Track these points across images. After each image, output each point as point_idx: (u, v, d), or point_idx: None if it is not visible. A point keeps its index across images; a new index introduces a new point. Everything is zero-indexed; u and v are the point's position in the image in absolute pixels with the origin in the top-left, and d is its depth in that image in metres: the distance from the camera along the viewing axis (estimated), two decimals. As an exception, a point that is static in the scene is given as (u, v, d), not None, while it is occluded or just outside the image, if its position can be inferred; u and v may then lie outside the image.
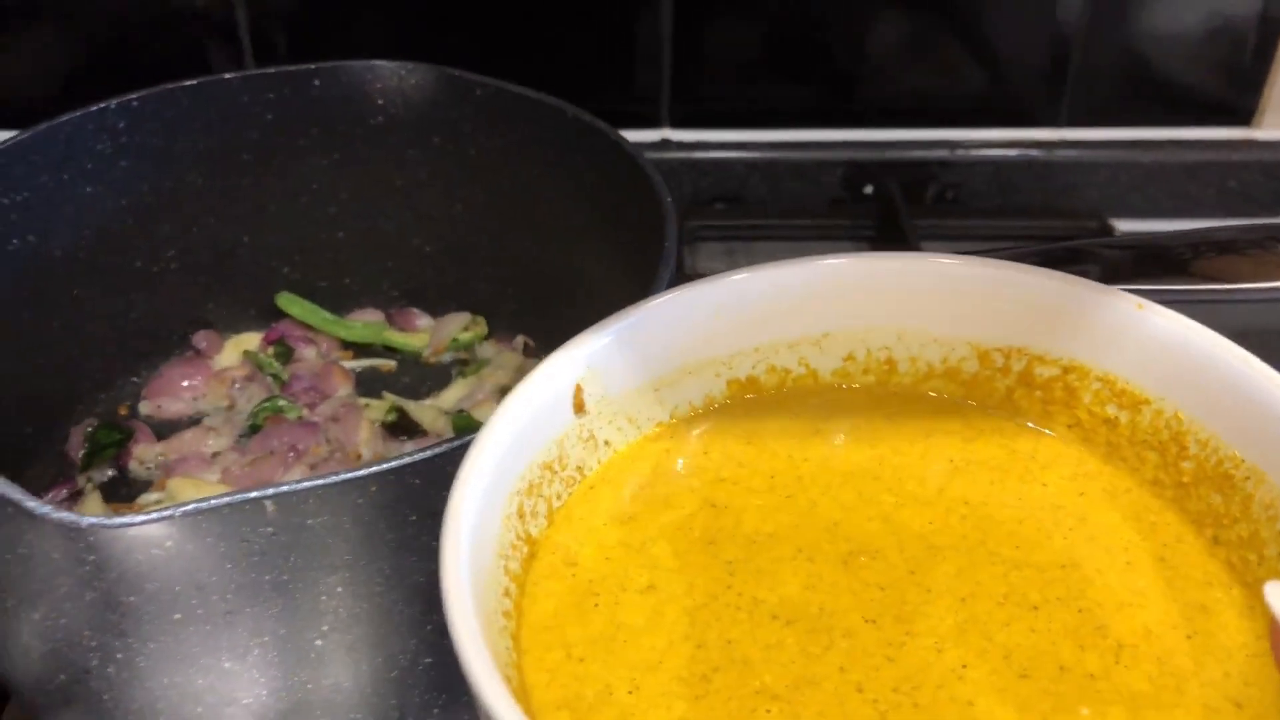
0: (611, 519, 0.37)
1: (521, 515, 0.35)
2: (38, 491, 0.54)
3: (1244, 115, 0.78)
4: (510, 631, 0.33)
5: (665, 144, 0.78)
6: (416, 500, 0.38)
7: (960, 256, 0.40)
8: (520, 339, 0.63)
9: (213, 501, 0.35)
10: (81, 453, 0.56)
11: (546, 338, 0.62)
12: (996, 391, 0.40)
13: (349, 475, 0.36)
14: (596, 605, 0.34)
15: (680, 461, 0.39)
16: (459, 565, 0.31)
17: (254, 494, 0.35)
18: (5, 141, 0.51)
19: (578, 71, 0.75)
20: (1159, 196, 0.79)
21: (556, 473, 0.37)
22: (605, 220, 0.56)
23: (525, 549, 0.35)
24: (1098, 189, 0.79)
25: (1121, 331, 0.38)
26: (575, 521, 0.37)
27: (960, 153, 0.78)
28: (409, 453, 0.37)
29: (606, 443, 0.39)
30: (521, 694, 0.32)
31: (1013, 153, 0.78)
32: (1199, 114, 0.78)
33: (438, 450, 0.37)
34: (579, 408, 0.37)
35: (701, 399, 0.40)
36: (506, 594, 0.34)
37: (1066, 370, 0.39)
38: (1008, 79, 0.77)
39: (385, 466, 0.37)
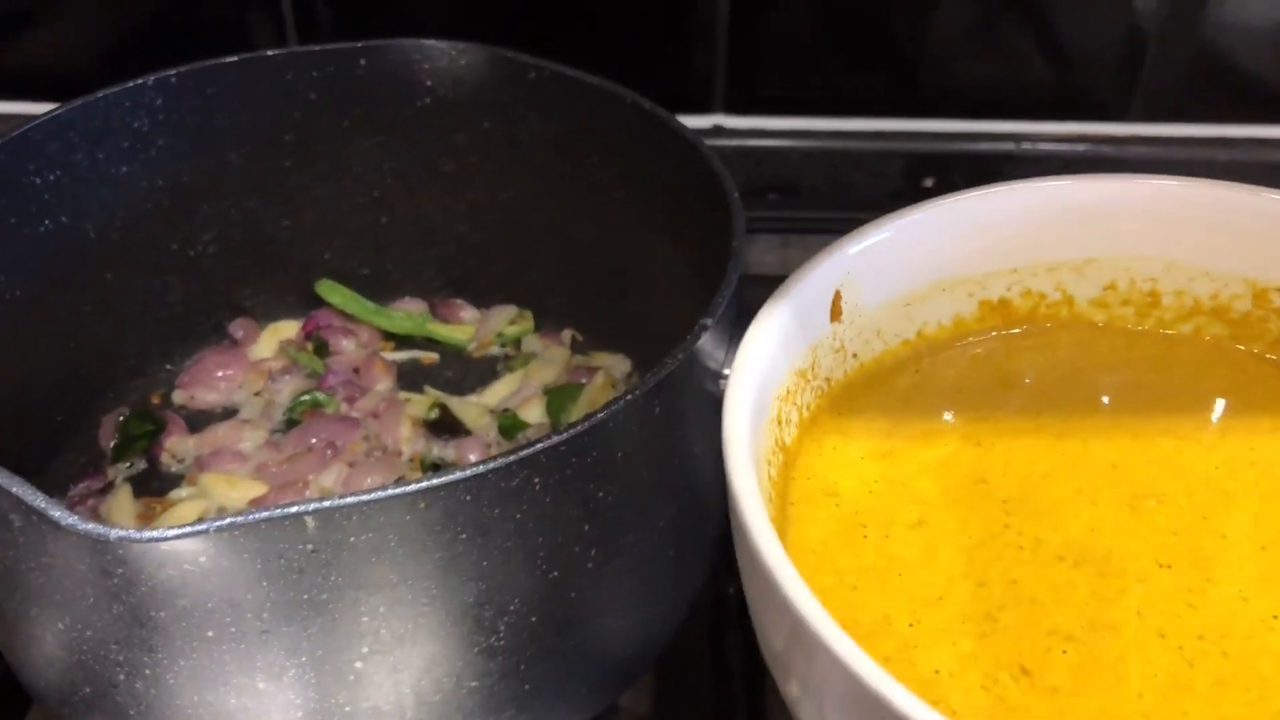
0: (869, 453, 0.37)
1: (780, 422, 0.35)
2: (66, 482, 0.53)
3: (1327, 114, 0.74)
4: None
5: (718, 130, 0.75)
6: (468, 517, 0.35)
7: (1247, 187, 0.37)
8: (568, 333, 0.60)
9: (250, 517, 0.33)
10: (112, 443, 0.54)
11: (595, 333, 0.60)
12: (1268, 334, 0.38)
13: (396, 491, 0.34)
14: (865, 537, 0.34)
15: (933, 396, 0.38)
16: (742, 450, 0.31)
17: (294, 509, 0.33)
18: (39, 117, 0.49)
19: (627, 51, 0.72)
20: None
21: (809, 380, 0.36)
22: (662, 213, 0.53)
23: (781, 457, 0.35)
24: (1172, 188, 0.75)
25: None
26: (829, 450, 0.37)
27: (1027, 146, 0.75)
28: (467, 465, 0.35)
29: (854, 355, 0.38)
30: None
31: (1082, 148, 0.75)
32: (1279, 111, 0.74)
33: (491, 465, 0.35)
34: (835, 315, 0.37)
35: (950, 318, 0.40)
36: (769, 501, 0.33)
37: None
38: (1079, 70, 0.74)
39: (436, 482, 0.34)
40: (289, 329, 0.59)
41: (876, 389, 0.39)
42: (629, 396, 0.37)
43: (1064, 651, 0.31)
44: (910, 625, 0.32)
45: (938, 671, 0.31)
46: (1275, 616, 0.31)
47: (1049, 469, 0.36)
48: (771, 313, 0.35)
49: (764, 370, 0.34)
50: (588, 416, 0.36)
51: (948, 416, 0.38)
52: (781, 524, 0.34)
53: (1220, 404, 0.37)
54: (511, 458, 0.35)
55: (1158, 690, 0.30)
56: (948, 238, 0.38)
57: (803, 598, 0.27)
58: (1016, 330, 0.40)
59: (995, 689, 0.30)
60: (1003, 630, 0.32)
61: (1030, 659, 0.31)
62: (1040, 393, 0.38)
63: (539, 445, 0.35)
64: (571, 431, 0.36)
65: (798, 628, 0.27)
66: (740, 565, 0.32)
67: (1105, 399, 0.38)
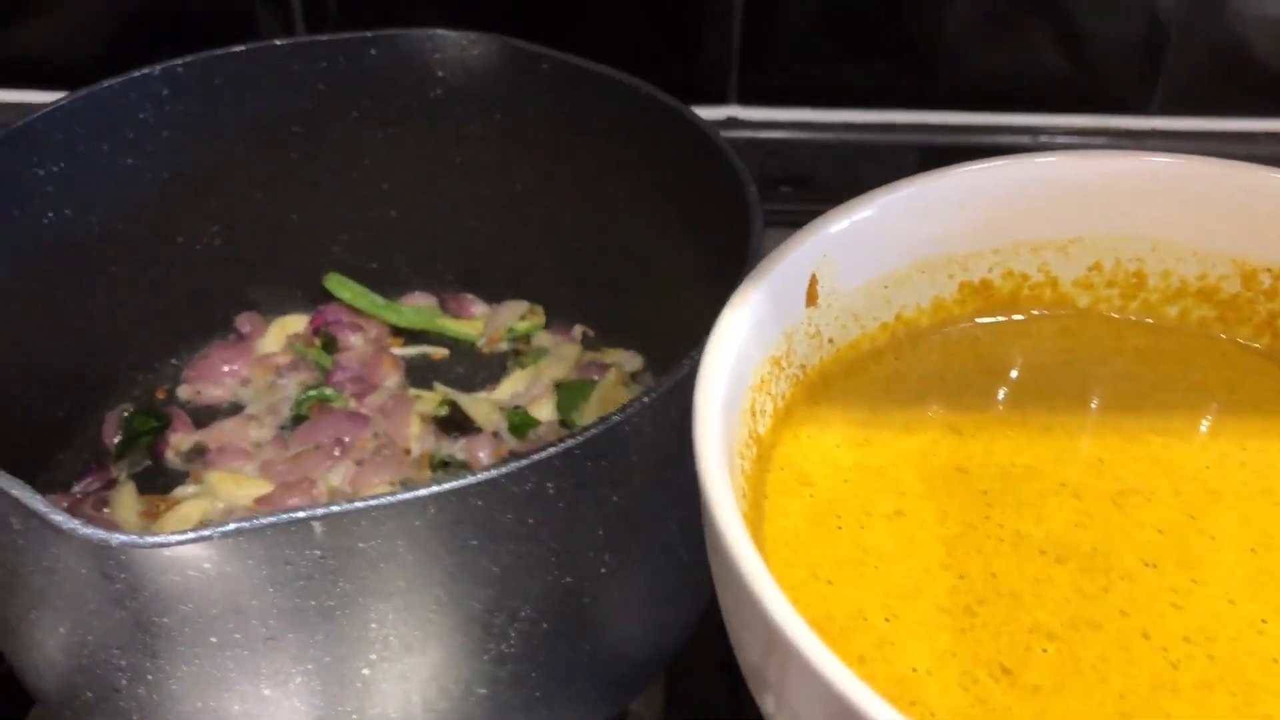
0: (844, 441, 0.36)
1: (753, 413, 0.34)
2: (69, 479, 0.52)
3: (1351, 108, 0.73)
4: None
5: (732, 122, 0.74)
6: (478, 522, 0.34)
7: (1239, 164, 0.36)
8: (579, 329, 0.59)
9: (256, 522, 0.32)
10: (116, 440, 0.53)
11: (606, 328, 0.59)
12: (1256, 316, 0.38)
13: (406, 496, 0.33)
14: (839, 528, 0.33)
15: (913, 383, 0.37)
16: (714, 452, 0.30)
17: (302, 514, 0.32)
18: (44, 108, 0.48)
19: (639, 41, 0.71)
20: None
21: (784, 369, 0.35)
22: (676, 208, 0.52)
23: (754, 449, 0.34)
24: (1192, 183, 0.74)
25: None
26: (804, 439, 0.35)
27: (1044, 139, 0.74)
28: (479, 467, 0.34)
29: (830, 340, 0.37)
30: None
31: (1100, 141, 0.74)
32: (1302, 105, 0.73)
33: (504, 470, 0.34)
34: (812, 299, 0.36)
35: (930, 300, 0.38)
36: (743, 496, 0.32)
37: None
38: (1097, 62, 0.73)
39: (447, 487, 0.33)
40: (297, 324, 0.58)
41: (854, 376, 0.38)
42: (645, 399, 0.36)
43: (1045, 650, 0.30)
44: (886, 620, 0.31)
45: (915, 670, 0.30)
46: (1264, 620, 0.31)
47: (1032, 460, 0.35)
48: (744, 300, 0.34)
49: (736, 360, 0.33)
50: (602, 419, 0.35)
51: (927, 404, 0.37)
52: (756, 519, 0.33)
53: (1210, 401, 0.36)
54: (524, 462, 0.34)
55: (1140, 692, 0.29)
56: (930, 216, 0.37)
57: (776, 602, 0.26)
58: (1000, 318, 0.39)
59: (974, 688, 0.30)
60: (982, 626, 0.31)
61: (1010, 657, 0.30)
62: (1024, 383, 0.37)
63: (552, 449, 0.34)
64: (586, 435, 0.35)
65: (771, 637, 0.26)
66: (714, 571, 0.31)
67: (1090, 391, 0.37)
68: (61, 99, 0.49)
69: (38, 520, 0.32)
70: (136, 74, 0.51)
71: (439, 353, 0.59)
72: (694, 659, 0.47)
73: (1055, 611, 0.31)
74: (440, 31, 0.54)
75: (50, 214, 0.49)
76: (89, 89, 0.50)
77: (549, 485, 0.35)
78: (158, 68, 0.51)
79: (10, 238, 0.48)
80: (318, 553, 0.33)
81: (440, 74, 0.55)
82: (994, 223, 0.38)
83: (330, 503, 0.33)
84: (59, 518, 0.32)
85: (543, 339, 0.59)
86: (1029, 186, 0.37)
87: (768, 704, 0.30)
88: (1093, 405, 0.37)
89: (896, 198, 0.36)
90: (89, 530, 0.32)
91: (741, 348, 0.33)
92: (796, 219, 0.79)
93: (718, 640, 0.49)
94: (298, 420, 0.54)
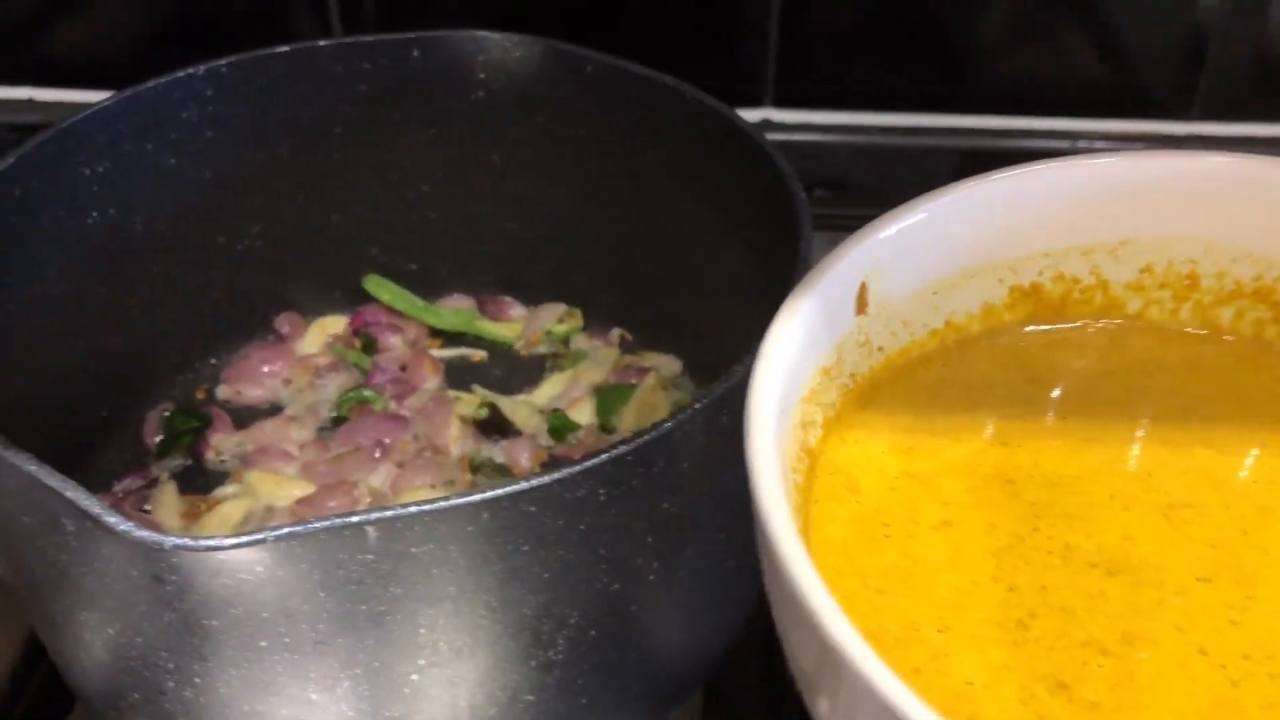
0: (890, 448, 0.35)
1: (804, 425, 0.33)
2: (110, 479, 0.52)
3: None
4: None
5: (766, 125, 0.74)
6: (530, 528, 0.34)
7: None
8: (616, 332, 0.59)
9: (309, 526, 0.32)
10: (157, 439, 0.53)
11: (644, 332, 0.59)
12: None
13: (460, 501, 0.33)
14: (888, 536, 0.33)
15: (960, 391, 0.37)
16: (768, 466, 0.29)
17: (355, 518, 0.32)
18: (89, 108, 0.48)
19: (675, 43, 0.70)
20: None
21: (833, 378, 0.35)
22: (718, 211, 0.52)
23: (806, 461, 0.34)
24: (1233, 189, 0.74)
25: None
26: (851, 444, 0.35)
27: (1082, 145, 0.73)
28: (530, 473, 0.34)
29: (880, 349, 0.37)
30: None
31: (1139, 147, 0.73)
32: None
33: (556, 476, 0.34)
34: (861, 307, 0.35)
35: (980, 305, 0.38)
36: (795, 510, 0.32)
37: None
38: (1137, 66, 0.72)
39: (500, 492, 0.33)
40: (336, 324, 0.58)
41: (901, 382, 0.37)
42: (696, 405, 0.36)
43: (1100, 665, 0.30)
44: (939, 632, 0.31)
45: (970, 683, 0.30)
46: None
47: (1079, 472, 0.35)
48: (794, 310, 0.33)
49: (787, 373, 0.32)
50: (655, 426, 0.35)
51: (974, 413, 0.36)
52: (805, 526, 0.33)
53: (1258, 415, 0.36)
54: (577, 468, 0.34)
55: (1201, 711, 0.29)
56: (979, 220, 0.37)
57: (832, 618, 0.26)
58: (1047, 326, 0.39)
59: (1032, 703, 0.29)
60: (1035, 640, 0.30)
61: (1066, 672, 0.30)
62: (1071, 394, 0.37)
63: (605, 455, 0.34)
64: (638, 441, 0.35)
65: (826, 651, 0.26)
66: (766, 581, 0.30)
67: (1138, 403, 0.37)
68: (106, 99, 0.49)
69: (91, 522, 0.32)
70: (180, 74, 0.51)
71: (477, 355, 0.59)
72: (733, 669, 0.47)
73: (1108, 626, 0.31)
74: (483, 33, 0.54)
75: (95, 214, 0.49)
76: (133, 89, 0.50)
77: (600, 491, 0.35)
78: (201, 68, 0.51)
79: (56, 238, 0.48)
80: (370, 557, 0.33)
81: (483, 76, 0.54)
82: (1044, 225, 0.37)
83: (383, 506, 0.32)
84: (112, 519, 0.32)
85: (580, 342, 0.59)
86: (1080, 188, 0.37)
87: (821, 707, 0.30)
88: (1140, 417, 0.37)
89: (946, 202, 0.36)
90: (143, 533, 0.32)
91: (793, 360, 0.33)
92: (831, 223, 0.79)
93: (757, 650, 0.49)
94: (337, 421, 0.54)
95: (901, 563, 0.32)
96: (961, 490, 0.34)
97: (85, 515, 0.32)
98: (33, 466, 0.33)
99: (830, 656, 0.26)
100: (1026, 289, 0.38)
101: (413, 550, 0.33)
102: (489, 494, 0.33)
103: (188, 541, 0.32)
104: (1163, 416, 0.36)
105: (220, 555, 0.32)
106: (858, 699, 0.26)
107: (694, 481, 0.38)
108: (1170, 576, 0.32)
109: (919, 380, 0.37)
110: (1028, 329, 0.39)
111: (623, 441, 0.34)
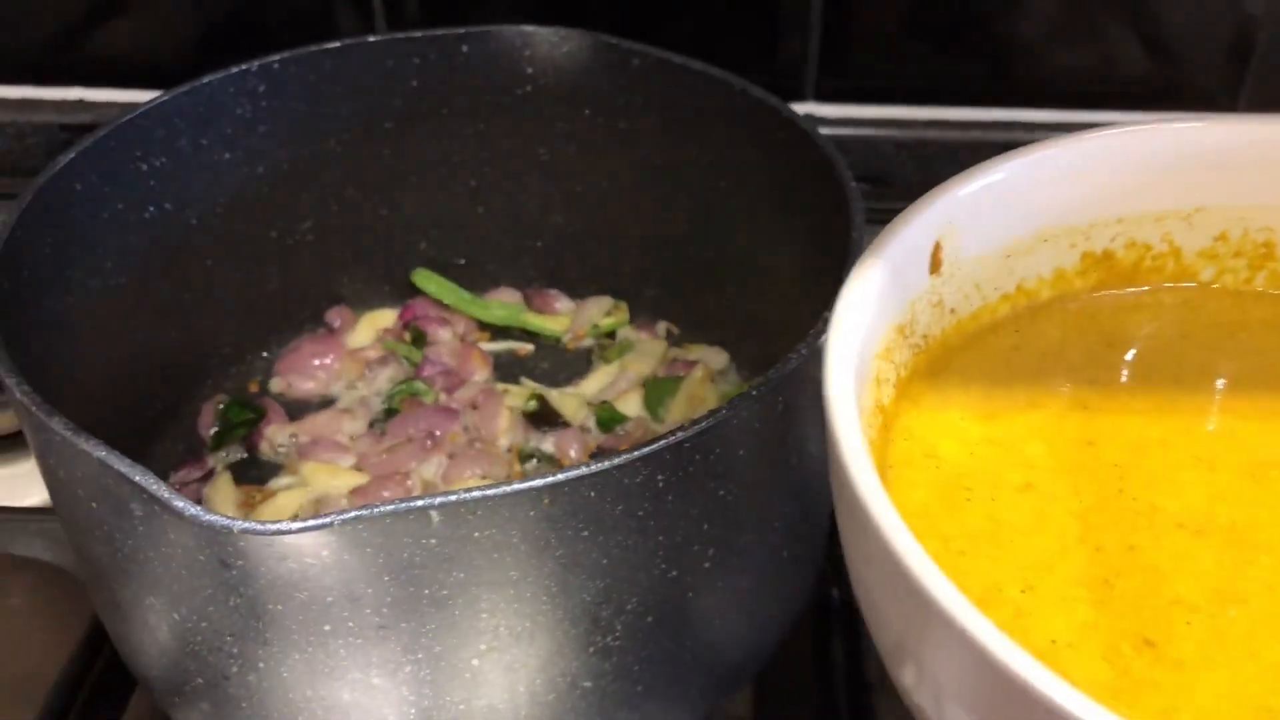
0: (968, 414, 0.35)
1: (878, 381, 0.34)
2: (166, 470, 0.53)
3: None
4: None
5: (808, 119, 0.74)
6: (591, 514, 0.35)
7: None
8: (663, 325, 0.59)
9: (375, 510, 0.32)
10: (212, 431, 0.53)
11: (690, 325, 0.59)
12: None
13: (522, 486, 0.33)
14: (969, 500, 0.33)
15: (1035, 357, 0.37)
16: (848, 416, 0.29)
17: (419, 503, 0.32)
18: (147, 104, 0.49)
19: (716, 37, 0.71)
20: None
21: (906, 338, 0.35)
22: (766, 203, 0.52)
23: (880, 419, 0.34)
24: None
25: None
26: (926, 411, 0.35)
27: (1127, 138, 0.73)
28: (585, 462, 0.34)
29: (952, 311, 0.37)
30: None
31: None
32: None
33: (616, 462, 0.34)
34: (935, 267, 0.36)
35: (1051, 271, 0.38)
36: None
37: None
38: (1181, 60, 0.71)
39: (562, 477, 0.33)
40: (386, 318, 0.59)
41: (973, 349, 0.38)
42: (754, 392, 0.36)
43: (1188, 623, 0.30)
44: (1022, 592, 0.31)
45: (1054, 641, 0.30)
46: None
47: (1162, 434, 0.35)
48: (870, 265, 0.34)
49: (865, 326, 0.33)
50: (712, 413, 0.35)
51: (1050, 379, 0.37)
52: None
53: None
54: (636, 454, 0.34)
55: None
56: (1056, 182, 0.37)
57: (920, 561, 0.26)
58: (1119, 291, 0.39)
59: (1119, 661, 0.29)
60: (1120, 598, 0.31)
61: (1154, 629, 0.30)
62: (1147, 357, 0.37)
63: (664, 442, 0.34)
64: (696, 428, 0.35)
65: (919, 605, 0.26)
66: (849, 542, 0.30)
67: (1217, 365, 0.37)
68: (163, 95, 0.50)
69: (159, 506, 0.33)
70: (235, 70, 0.51)
71: (524, 348, 0.59)
72: (785, 659, 0.47)
73: (1196, 585, 0.31)
74: (531, 28, 0.54)
75: (151, 208, 0.50)
76: (190, 85, 0.50)
77: (659, 478, 0.35)
78: (255, 64, 0.52)
79: (115, 232, 0.49)
80: (433, 541, 0.33)
81: (530, 70, 0.55)
82: (1120, 190, 0.37)
83: (447, 491, 0.33)
84: (180, 504, 0.32)
85: (627, 335, 0.59)
86: (1157, 154, 0.37)
87: (906, 676, 0.30)
88: (1220, 379, 0.37)
89: (1025, 162, 0.36)
90: (211, 517, 0.32)
91: (870, 314, 0.33)
92: (873, 218, 0.78)
93: (809, 641, 0.49)
94: (389, 413, 0.54)
95: (985, 525, 0.32)
96: (1044, 454, 0.34)
97: (154, 499, 0.33)
98: (102, 452, 0.34)
99: (921, 609, 0.26)
100: (1099, 255, 0.38)
101: (475, 534, 0.33)
102: (551, 479, 0.33)
103: (255, 525, 0.32)
104: (1245, 377, 0.36)
105: (287, 539, 0.32)
106: (951, 654, 0.26)
107: (751, 469, 0.38)
108: (1260, 536, 0.32)
109: (992, 347, 0.38)
110: (1098, 293, 0.39)
111: (681, 428, 0.35)
